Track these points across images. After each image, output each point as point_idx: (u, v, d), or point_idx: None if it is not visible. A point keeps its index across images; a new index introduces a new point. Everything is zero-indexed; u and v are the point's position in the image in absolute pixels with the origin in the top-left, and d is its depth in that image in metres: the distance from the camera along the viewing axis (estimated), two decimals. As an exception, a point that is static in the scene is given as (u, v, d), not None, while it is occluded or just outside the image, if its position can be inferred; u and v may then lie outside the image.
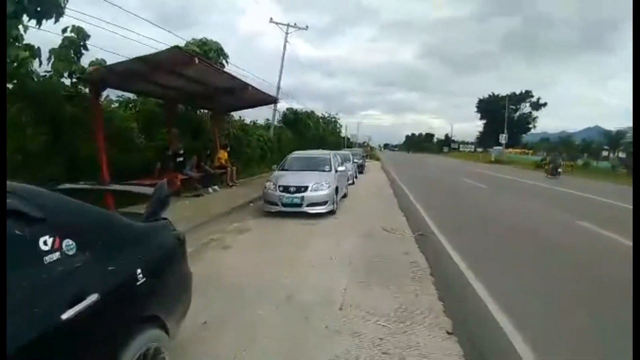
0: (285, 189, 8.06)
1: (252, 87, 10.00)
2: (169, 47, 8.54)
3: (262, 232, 7.01)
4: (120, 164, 9.74)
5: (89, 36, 8.27)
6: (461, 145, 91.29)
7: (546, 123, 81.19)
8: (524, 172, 27.64)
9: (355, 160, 17.92)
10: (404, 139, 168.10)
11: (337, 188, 8.71)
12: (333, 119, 48.06)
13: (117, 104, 13.95)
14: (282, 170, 9.39)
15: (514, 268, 5.08)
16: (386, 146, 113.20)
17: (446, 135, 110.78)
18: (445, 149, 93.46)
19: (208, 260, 5.25)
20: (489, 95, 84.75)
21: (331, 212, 8.29)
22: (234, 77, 9.20)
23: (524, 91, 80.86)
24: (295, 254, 5.45)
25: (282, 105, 29.32)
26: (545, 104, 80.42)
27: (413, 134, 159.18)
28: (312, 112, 36.35)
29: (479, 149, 77.93)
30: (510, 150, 58.29)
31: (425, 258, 5.29)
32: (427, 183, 17.21)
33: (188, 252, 2.93)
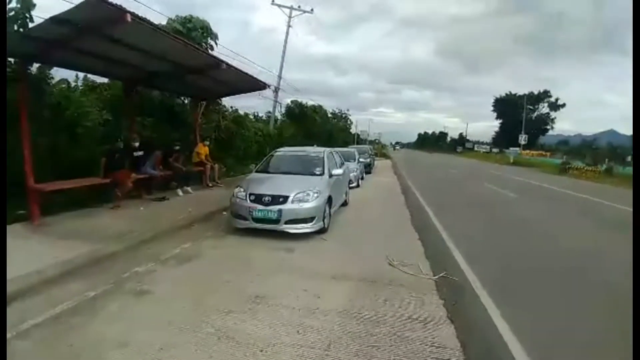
0: (258, 198, 5.94)
1: (229, 65, 7.87)
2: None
3: (210, 263, 4.89)
4: (66, 159, 7.82)
5: (34, 5, 6.19)
6: (476, 145, 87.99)
7: (560, 125, 77.89)
8: (549, 177, 25.06)
9: (361, 160, 15.67)
10: (415, 137, 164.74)
11: (330, 198, 6.55)
12: (343, 115, 46.02)
13: (79, 87, 12.10)
14: (260, 172, 7.25)
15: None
16: (397, 144, 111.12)
17: (460, 135, 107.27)
18: (459, 149, 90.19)
19: (89, 328, 3.14)
20: (506, 94, 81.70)
21: (320, 231, 6.16)
22: (198, 49, 7.06)
23: (542, 91, 77.70)
24: (238, 319, 3.31)
25: (288, 98, 27.29)
26: (563, 105, 77.12)
27: (425, 133, 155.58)
28: (320, 106, 34.21)
29: (495, 150, 75.11)
30: (527, 151, 55.35)
31: (459, 342, 3.05)
32: (445, 189, 14.84)
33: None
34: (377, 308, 3.56)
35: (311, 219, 5.89)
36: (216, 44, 13.93)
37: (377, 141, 53.60)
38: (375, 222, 7.50)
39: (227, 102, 16.58)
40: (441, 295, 3.95)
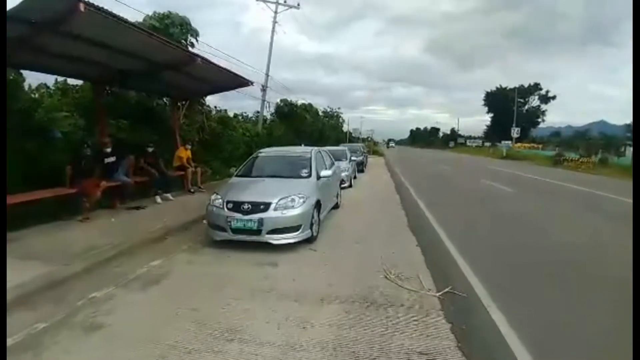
0: (236, 206, 5.29)
1: (205, 59, 7.21)
2: None
3: (179, 285, 4.22)
4: (36, 168, 7.11)
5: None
6: (468, 140, 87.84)
7: (550, 117, 78.15)
8: (545, 170, 24.69)
9: (353, 158, 15.06)
10: (408, 133, 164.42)
11: (318, 203, 5.93)
12: (335, 114, 45.57)
13: (47, 91, 11.41)
14: (241, 176, 6.60)
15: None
16: (390, 141, 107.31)
17: (452, 130, 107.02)
18: (451, 144, 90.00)
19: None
20: (497, 88, 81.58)
21: (309, 240, 5.54)
22: (166, 42, 6.37)
23: (532, 84, 77.72)
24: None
25: (279, 97, 26.60)
26: (554, 97, 77.24)
27: (418, 129, 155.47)
28: (310, 104, 33.59)
29: (487, 144, 75.01)
30: (519, 144, 55.17)
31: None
32: (440, 186, 14.30)
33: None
34: (372, 340, 2.94)
35: (297, 228, 5.26)
36: (197, 40, 13.29)
37: (369, 139, 52.99)
38: (369, 227, 6.88)
39: (216, 103, 16.00)
40: (448, 317, 3.34)
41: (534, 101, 77.84)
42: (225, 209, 5.32)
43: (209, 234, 5.63)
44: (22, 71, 9.63)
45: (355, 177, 14.97)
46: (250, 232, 5.17)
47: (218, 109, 16.75)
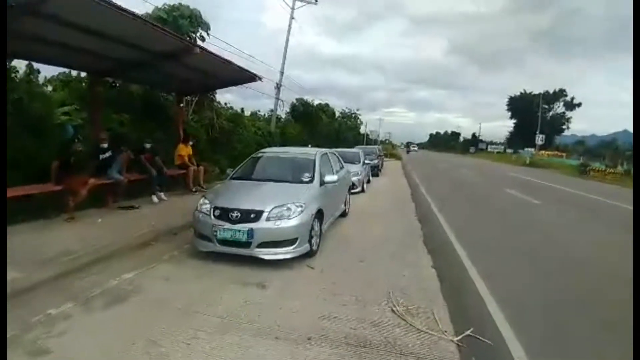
0: (224, 214, 4.61)
1: (204, 49, 6.59)
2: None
3: (146, 307, 3.55)
4: (31, 163, 6.65)
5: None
6: (489, 146, 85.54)
7: (573, 125, 75.23)
8: (571, 180, 23.32)
9: (367, 161, 14.24)
10: (427, 137, 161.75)
11: (320, 212, 5.21)
12: (353, 114, 44.76)
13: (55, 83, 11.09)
14: (236, 178, 5.92)
15: None
16: (409, 144, 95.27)
17: (473, 135, 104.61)
18: (472, 149, 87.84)
19: None
20: (521, 93, 79.38)
21: (307, 254, 4.82)
22: (160, 29, 5.74)
23: (557, 89, 75.13)
24: None
25: (293, 97, 26.01)
26: (579, 104, 74.49)
27: (437, 133, 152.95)
28: (327, 104, 32.90)
29: (509, 150, 72.92)
30: (543, 152, 53.23)
31: None
32: (460, 195, 13.18)
33: None
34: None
35: (292, 241, 4.54)
36: (208, 34, 12.77)
37: (387, 141, 51.90)
38: (378, 241, 6.10)
39: (234, 101, 15.50)
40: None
41: (559, 108, 75.45)
42: (212, 217, 4.65)
43: (194, 244, 4.97)
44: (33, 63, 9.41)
45: (369, 182, 14.19)
46: (238, 244, 4.48)
47: (229, 105, 16.17)
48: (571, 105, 74.47)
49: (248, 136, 16.51)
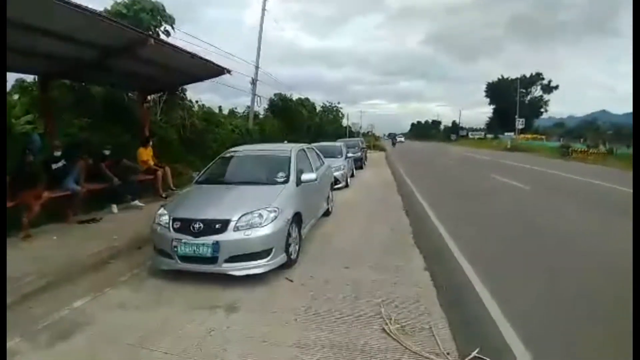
0: (185, 226, 3.99)
1: (159, 40, 5.93)
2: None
3: (93, 343, 2.94)
4: None
5: None
6: (470, 133, 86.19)
7: (552, 108, 76.56)
8: (554, 162, 23.30)
9: (350, 155, 13.69)
10: (409, 127, 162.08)
11: (298, 216, 4.63)
12: (334, 108, 44.19)
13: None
14: (201, 182, 5.27)
15: None
16: (396, 136, 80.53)
17: (453, 123, 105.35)
18: (453, 137, 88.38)
19: None
20: (498, 79, 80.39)
21: (285, 265, 4.24)
22: (105, 19, 5.03)
23: (534, 73, 76.37)
24: None
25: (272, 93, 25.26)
26: (557, 87, 75.97)
27: (419, 122, 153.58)
28: (307, 98, 32.21)
29: (489, 136, 73.66)
30: (522, 135, 53.79)
31: None
32: (448, 184, 12.72)
33: None
34: None
35: (266, 253, 3.95)
36: (173, 28, 11.94)
37: (370, 133, 51.45)
38: (364, 241, 5.57)
39: (213, 100, 14.77)
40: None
41: (537, 91, 76.72)
42: (171, 229, 4.02)
43: (154, 261, 4.34)
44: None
45: (352, 175, 13.68)
46: (202, 260, 3.87)
47: (200, 104, 15.38)
48: (548, 89, 75.80)
49: (224, 135, 15.78)
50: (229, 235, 3.83)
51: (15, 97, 10.06)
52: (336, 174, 10.35)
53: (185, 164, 11.58)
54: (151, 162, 8.59)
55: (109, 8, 10.82)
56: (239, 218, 3.92)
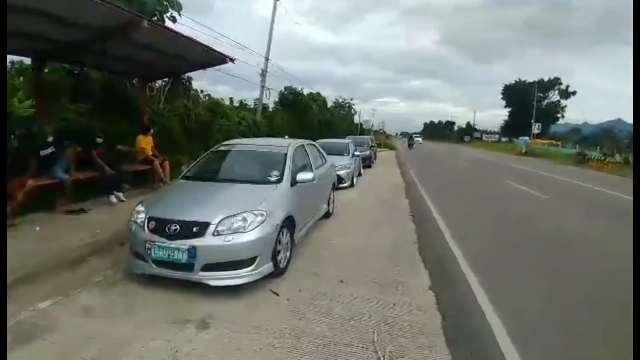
0: (160, 226, 3.56)
1: (152, 22, 5.49)
2: None
3: (54, 351, 2.61)
4: None
5: None
6: (484, 135, 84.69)
7: (567, 114, 74.69)
8: (572, 170, 22.47)
9: (358, 153, 13.15)
10: (421, 126, 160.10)
11: (290, 220, 4.18)
12: (347, 104, 43.54)
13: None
14: (188, 178, 4.83)
15: None
16: (413, 135, 69.33)
17: (468, 124, 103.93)
18: (467, 138, 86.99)
19: None
20: (516, 82, 78.84)
21: (272, 274, 3.80)
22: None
23: (552, 78, 74.62)
24: None
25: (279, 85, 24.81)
26: (574, 93, 74.10)
27: (432, 122, 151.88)
28: (318, 93, 31.68)
29: (504, 139, 72.31)
30: (537, 140, 52.53)
31: None
32: (460, 190, 12.02)
33: None
34: None
35: (250, 261, 3.50)
36: (180, 15, 11.50)
37: (380, 131, 50.47)
38: (365, 249, 5.10)
39: (228, 92, 14.41)
40: None
41: (554, 96, 74.84)
42: (146, 229, 3.59)
43: (128, 263, 3.92)
44: None
45: (360, 174, 13.18)
46: (177, 266, 3.44)
47: (205, 93, 14.99)
48: (566, 94, 74.04)
49: (230, 126, 15.38)
50: (207, 240, 3.39)
51: (20, 79, 9.81)
52: (341, 172, 9.89)
53: (188, 155, 11.22)
54: (149, 152, 8.20)
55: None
56: (220, 221, 3.47)
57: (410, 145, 42.00)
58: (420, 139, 67.36)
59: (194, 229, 3.43)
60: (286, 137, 9.53)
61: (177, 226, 3.45)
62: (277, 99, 24.47)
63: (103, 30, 5.77)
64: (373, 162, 18.42)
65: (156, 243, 3.45)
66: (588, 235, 6.59)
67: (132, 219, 3.86)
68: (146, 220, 3.64)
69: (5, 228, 3.70)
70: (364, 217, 7.07)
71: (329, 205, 6.63)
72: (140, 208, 3.87)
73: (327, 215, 6.58)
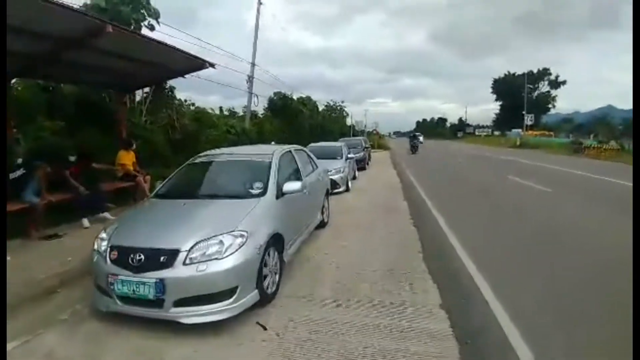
0: (123, 256, 3.06)
1: (117, 26, 4.99)
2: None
3: None
4: None
5: None
6: (476, 130, 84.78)
7: (558, 104, 74.97)
8: (567, 159, 22.15)
9: (352, 155, 12.66)
10: (414, 125, 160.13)
11: (277, 237, 3.68)
12: (338, 107, 43.28)
13: None
14: (160, 195, 4.31)
15: None
16: (416, 134, 68.09)
17: (460, 120, 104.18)
18: (460, 134, 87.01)
19: None
20: (505, 75, 79.19)
21: (260, 303, 3.29)
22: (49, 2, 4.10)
23: (541, 69, 74.96)
24: None
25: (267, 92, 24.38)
26: (564, 82, 74.53)
27: (424, 120, 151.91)
28: (309, 97, 31.24)
29: (496, 132, 72.40)
30: (530, 132, 52.53)
31: None
32: (460, 188, 11.49)
33: None
34: None
35: (229, 293, 2.99)
36: (158, 23, 11.06)
37: (374, 132, 49.95)
38: (363, 263, 4.60)
39: (218, 102, 13.86)
40: None
41: (544, 87, 75.15)
42: (108, 260, 3.09)
43: (93, 299, 3.41)
44: None
45: (354, 178, 12.71)
46: (144, 302, 2.93)
47: (188, 103, 14.49)
48: (556, 84, 74.43)
49: (218, 136, 14.89)
50: (177, 271, 2.89)
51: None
52: (335, 177, 9.45)
53: (174, 168, 10.71)
54: (130, 167, 7.68)
55: (88, 2, 10.04)
56: (192, 247, 2.97)
57: (413, 148, 30.90)
58: (421, 139, 60.45)
59: (162, 258, 2.92)
60: (272, 143, 9.06)
61: (142, 256, 2.95)
62: (266, 105, 24.07)
63: (65, 38, 5.30)
64: (368, 164, 17.99)
65: (119, 277, 2.95)
66: (608, 230, 6.13)
67: (95, 248, 3.35)
68: (108, 249, 3.13)
69: (5, 230, 3.52)
70: (361, 224, 6.59)
71: (323, 213, 6.14)
72: (103, 235, 3.36)
73: (322, 224, 6.10)
